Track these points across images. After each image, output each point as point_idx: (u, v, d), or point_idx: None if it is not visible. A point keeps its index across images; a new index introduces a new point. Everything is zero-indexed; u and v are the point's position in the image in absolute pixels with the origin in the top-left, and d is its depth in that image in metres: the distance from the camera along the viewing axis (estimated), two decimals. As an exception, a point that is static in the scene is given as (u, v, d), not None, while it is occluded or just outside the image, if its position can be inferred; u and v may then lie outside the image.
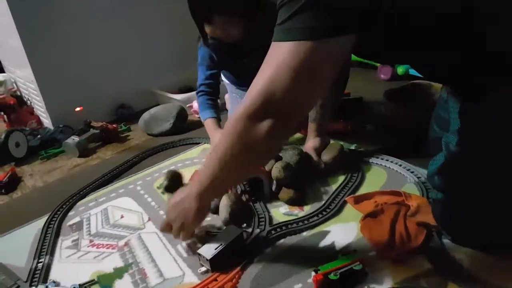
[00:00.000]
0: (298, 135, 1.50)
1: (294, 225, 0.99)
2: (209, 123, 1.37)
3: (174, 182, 1.22)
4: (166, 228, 0.93)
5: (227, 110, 1.75)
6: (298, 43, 0.67)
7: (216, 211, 1.06)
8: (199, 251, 0.89)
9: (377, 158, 1.24)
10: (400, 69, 1.97)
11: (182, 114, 1.71)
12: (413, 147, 1.17)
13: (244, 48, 1.34)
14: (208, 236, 0.99)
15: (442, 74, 0.85)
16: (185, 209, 0.88)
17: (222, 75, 1.66)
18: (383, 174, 1.17)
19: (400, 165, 1.17)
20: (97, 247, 1.02)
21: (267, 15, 1.37)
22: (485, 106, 0.76)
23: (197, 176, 0.87)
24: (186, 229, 0.90)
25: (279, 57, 0.69)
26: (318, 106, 1.23)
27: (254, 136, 0.73)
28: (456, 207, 0.84)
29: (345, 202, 1.06)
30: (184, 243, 0.97)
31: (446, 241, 0.87)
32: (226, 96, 1.76)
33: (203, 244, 0.90)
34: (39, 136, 1.70)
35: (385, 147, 1.29)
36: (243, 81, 1.54)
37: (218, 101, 1.45)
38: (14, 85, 1.97)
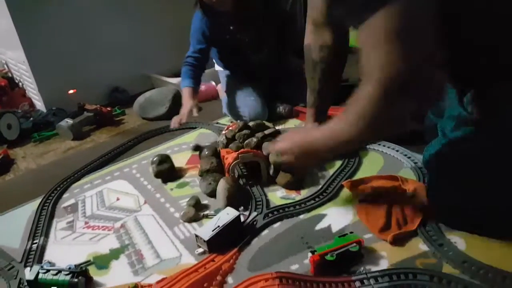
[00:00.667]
0: (297, 121, 1.50)
1: (291, 208, 0.99)
2: (185, 91, 1.45)
3: (164, 166, 1.20)
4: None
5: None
6: (392, 8, 0.62)
7: (213, 194, 1.06)
8: (196, 232, 0.89)
9: (374, 143, 1.24)
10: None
11: (178, 98, 1.69)
12: (409, 133, 1.17)
13: (236, 20, 1.42)
14: (205, 218, 0.99)
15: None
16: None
17: (214, 61, 1.65)
18: (379, 159, 1.17)
19: (397, 151, 1.17)
20: (92, 229, 1.01)
21: None
22: (485, 91, 0.76)
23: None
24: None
25: (380, 33, 0.64)
26: (316, 92, 1.22)
27: (397, 117, 0.71)
28: (452, 191, 0.84)
29: (342, 186, 1.06)
30: None
31: (441, 224, 0.88)
32: (219, 87, 1.76)
33: None
34: (31, 118, 1.68)
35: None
36: (235, 61, 1.57)
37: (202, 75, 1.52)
38: (5, 66, 1.94)
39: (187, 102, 1.41)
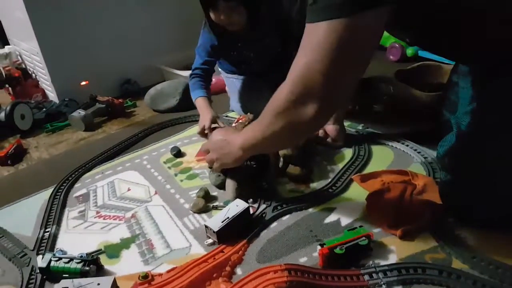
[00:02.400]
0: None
1: (300, 201, 0.99)
2: (200, 101, 1.41)
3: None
4: (204, 153, 1.04)
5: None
6: (332, 22, 0.64)
7: (222, 186, 1.06)
8: (206, 223, 0.89)
9: (384, 138, 1.23)
10: (409, 51, 1.94)
11: (188, 90, 1.69)
12: (423, 129, 1.17)
13: (244, 38, 1.39)
14: (215, 210, 1.00)
15: (462, 50, 0.82)
16: (225, 152, 0.95)
17: (219, 67, 1.66)
18: (390, 154, 1.17)
19: (407, 145, 1.16)
20: (104, 218, 1.03)
21: (270, 9, 1.43)
22: (501, 84, 0.75)
23: (245, 131, 0.92)
24: (220, 166, 0.99)
25: (314, 39, 0.67)
26: None
27: (298, 119, 0.74)
28: (466, 188, 0.83)
29: (351, 181, 1.06)
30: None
31: (451, 219, 0.87)
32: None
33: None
34: (44, 109, 1.70)
35: (393, 128, 1.28)
36: (239, 69, 1.56)
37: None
38: (19, 57, 1.96)
39: (206, 112, 1.37)
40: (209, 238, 0.90)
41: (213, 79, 1.78)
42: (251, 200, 1.01)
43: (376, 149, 1.20)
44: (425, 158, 1.10)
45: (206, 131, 1.32)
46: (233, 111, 1.58)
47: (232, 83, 1.62)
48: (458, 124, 0.82)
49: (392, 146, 1.20)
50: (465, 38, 0.76)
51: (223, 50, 1.47)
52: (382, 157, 1.15)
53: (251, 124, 0.93)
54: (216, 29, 1.35)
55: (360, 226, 0.85)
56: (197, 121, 1.53)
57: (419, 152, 1.12)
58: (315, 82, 0.69)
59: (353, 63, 0.69)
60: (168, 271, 0.81)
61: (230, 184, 1.03)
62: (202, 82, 1.47)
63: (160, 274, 0.81)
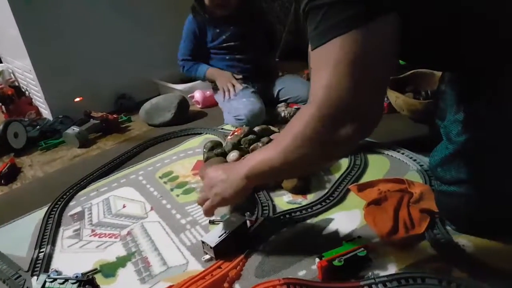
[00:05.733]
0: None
1: (298, 213, 0.99)
2: (211, 70, 1.65)
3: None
4: (203, 202, 0.92)
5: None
6: (343, 37, 0.63)
7: (218, 199, 1.05)
8: (202, 239, 0.88)
9: (380, 146, 1.23)
10: (402, 59, 1.95)
11: (183, 104, 1.70)
12: (418, 136, 1.17)
13: (231, 23, 1.62)
14: (211, 224, 0.99)
15: (447, 61, 0.83)
16: (226, 185, 0.86)
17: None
18: (386, 162, 1.16)
19: (403, 153, 1.16)
20: (99, 237, 1.01)
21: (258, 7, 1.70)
22: (490, 93, 0.75)
23: (249, 159, 0.85)
24: (219, 202, 0.88)
25: (329, 58, 0.65)
26: None
27: (332, 142, 0.69)
28: (460, 197, 0.82)
29: (348, 190, 1.05)
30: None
31: (449, 227, 0.87)
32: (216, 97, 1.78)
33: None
34: (38, 127, 1.70)
35: (389, 136, 1.28)
36: (225, 64, 1.70)
37: None
38: (12, 75, 1.96)
39: (222, 73, 1.62)
40: (206, 254, 0.88)
41: (208, 92, 1.80)
42: (248, 213, 1.00)
43: (372, 158, 1.19)
44: (421, 166, 1.09)
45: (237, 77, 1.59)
46: (227, 124, 1.58)
47: (220, 94, 1.66)
48: (447, 133, 0.82)
49: (388, 154, 1.20)
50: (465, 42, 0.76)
51: (207, 38, 1.66)
52: (378, 166, 1.15)
53: (257, 151, 0.89)
54: (202, 14, 1.60)
55: (359, 237, 0.84)
56: (192, 134, 1.54)
57: (414, 160, 1.12)
58: (344, 101, 0.66)
59: (377, 72, 0.67)
60: (165, 289, 0.80)
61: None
62: (197, 63, 1.69)
63: (157, 293, 0.80)
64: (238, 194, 0.85)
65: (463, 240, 0.83)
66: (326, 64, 0.66)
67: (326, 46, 0.65)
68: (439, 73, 1.40)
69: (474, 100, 0.79)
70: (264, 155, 0.80)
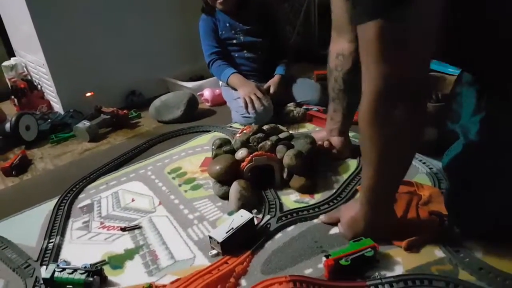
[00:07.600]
0: (310, 125, 1.50)
1: (305, 212, 0.99)
2: (235, 77, 1.60)
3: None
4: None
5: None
6: (386, 20, 0.63)
7: (226, 196, 1.06)
8: (210, 234, 0.89)
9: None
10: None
11: (192, 102, 1.71)
12: (427, 139, 1.16)
13: (234, 18, 1.65)
14: (219, 220, 0.99)
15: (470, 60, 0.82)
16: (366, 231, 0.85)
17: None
18: (394, 164, 1.16)
19: (412, 156, 1.16)
20: (107, 229, 1.02)
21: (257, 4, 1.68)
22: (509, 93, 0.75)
23: (362, 197, 0.83)
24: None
25: (374, 35, 0.65)
26: (332, 100, 1.18)
27: (398, 123, 0.69)
28: (472, 196, 0.82)
29: (356, 191, 1.05)
30: None
31: (457, 230, 0.86)
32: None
33: None
34: (49, 120, 1.71)
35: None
36: (234, 62, 1.71)
37: None
38: (25, 69, 1.98)
39: (248, 83, 1.57)
40: (213, 249, 0.89)
41: (217, 90, 1.81)
42: (255, 210, 1.01)
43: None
44: (430, 168, 1.09)
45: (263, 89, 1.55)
46: (235, 122, 1.58)
47: (228, 93, 1.67)
48: (465, 132, 0.81)
49: (396, 156, 1.19)
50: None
51: (221, 34, 1.68)
52: (386, 168, 1.15)
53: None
54: (212, 10, 1.65)
55: (366, 237, 0.84)
56: (201, 132, 1.54)
57: (424, 163, 1.12)
58: (394, 76, 0.66)
59: (425, 44, 0.67)
60: (172, 283, 0.81)
61: (233, 194, 1.03)
62: (225, 62, 1.66)
63: (164, 286, 0.81)
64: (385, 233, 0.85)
65: (472, 243, 0.83)
66: (371, 48, 0.66)
67: (370, 26, 0.65)
68: (450, 77, 1.40)
69: (494, 99, 0.78)
70: (365, 183, 0.80)
